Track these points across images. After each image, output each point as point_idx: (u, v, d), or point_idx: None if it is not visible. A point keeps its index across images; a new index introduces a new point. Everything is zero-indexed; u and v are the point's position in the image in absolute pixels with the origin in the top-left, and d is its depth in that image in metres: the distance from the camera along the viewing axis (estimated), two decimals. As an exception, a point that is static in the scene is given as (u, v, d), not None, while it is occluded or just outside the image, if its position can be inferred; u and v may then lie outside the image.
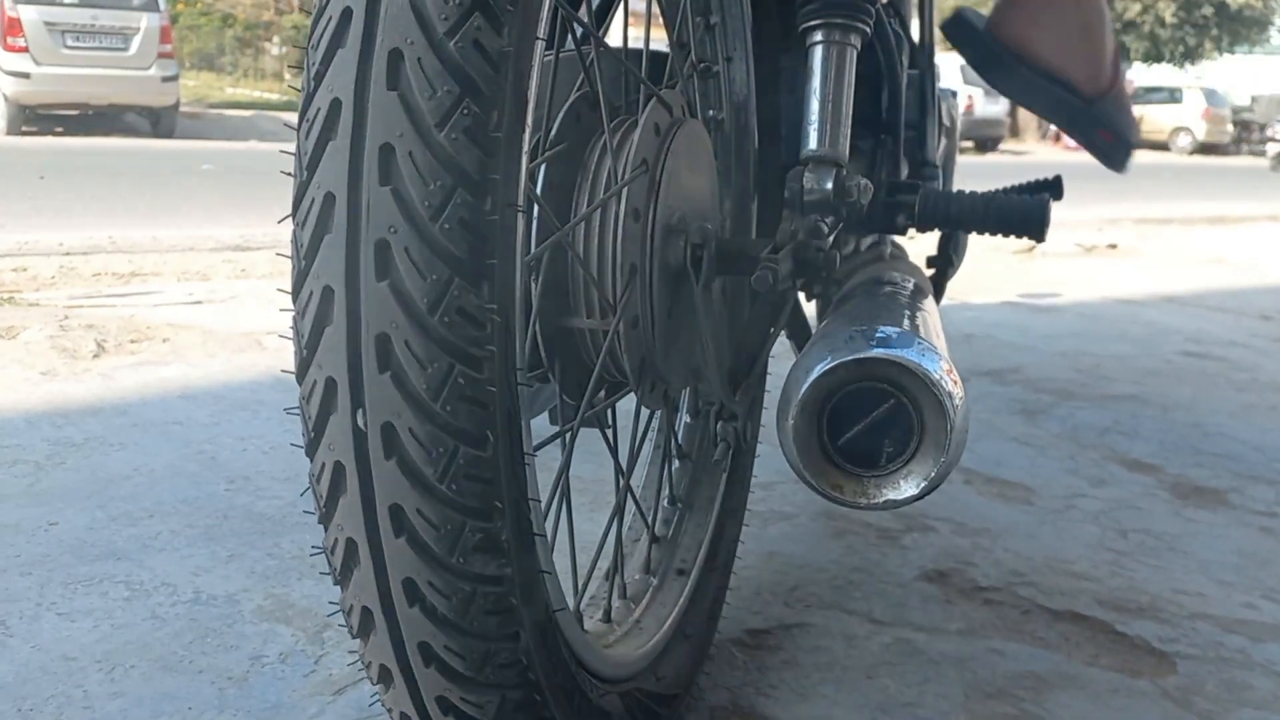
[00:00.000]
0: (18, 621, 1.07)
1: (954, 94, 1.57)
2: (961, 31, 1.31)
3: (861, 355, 0.62)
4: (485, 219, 0.56)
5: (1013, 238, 1.04)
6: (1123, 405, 2.11)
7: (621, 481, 0.88)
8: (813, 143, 0.86)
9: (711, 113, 1.01)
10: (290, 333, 0.60)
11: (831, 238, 0.87)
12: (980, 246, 4.52)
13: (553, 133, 0.73)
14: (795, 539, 1.38)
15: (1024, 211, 1.01)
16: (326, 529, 0.61)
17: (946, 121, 1.32)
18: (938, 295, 1.10)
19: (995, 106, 18.26)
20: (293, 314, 0.59)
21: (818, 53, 0.87)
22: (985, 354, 2.47)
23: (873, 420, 0.62)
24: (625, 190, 0.73)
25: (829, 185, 0.84)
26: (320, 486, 0.60)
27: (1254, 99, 27.50)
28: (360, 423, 0.57)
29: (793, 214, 0.85)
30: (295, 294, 0.59)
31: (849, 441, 0.63)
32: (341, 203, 0.56)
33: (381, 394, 0.56)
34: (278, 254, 3.72)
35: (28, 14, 9.86)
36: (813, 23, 0.87)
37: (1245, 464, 1.78)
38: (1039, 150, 20.13)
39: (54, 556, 1.21)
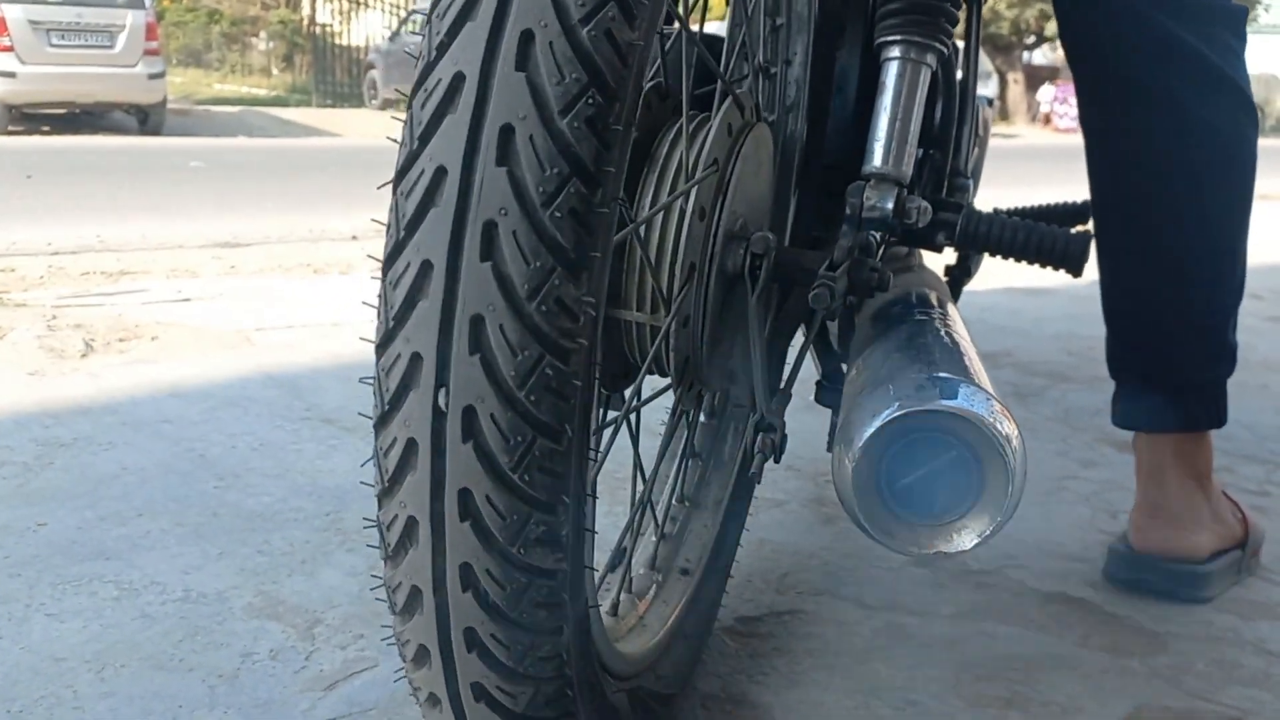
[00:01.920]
0: (6, 623, 1.06)
1: (990, 101, 1.51)
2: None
3: (931, 407, 0.62)
4: (595, 211, 0.56)
5: (1049, 268, 1.02)
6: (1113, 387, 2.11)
7: (643, 480, 0.88)
8: (877, 160, 0.86)
9: (765, 115, 0.99)
10: (376, 301, 0.59)
11: (880, 254, 0.86)
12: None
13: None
14: (786, 526, 1.38)
15: (1065, 244, 0.99)
16: (384, 505, 0.61)
17: (980, 131, 1.31)
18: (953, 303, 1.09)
19: (985, 90, 18.24)
20: (382, 284, 0.58)
21: (893, 69, 0.86)
22: (978, 337, 2.46)
23: (932, 470, 0.62)
24: (694, 188, 0.73)
25: (890, 205, 0.85)
26: (387, 461, 0.60)
27: (1243, 78, 27.53)
28: (441, 402, 0.57)
29: (851, 230, 0.85)
30: (388, 264, 0.58)
31: (906, 487, 0.62)
32: (454, 179, 0.55)
33: (468, 376, 0.56)
34: (314, 244, 3.72)
35: (12, 12, 9.80)
36: (891, 38, 0.86)
37: (1236, 443, 1.79)
38: (1028, 133, 20.12)
39: (43, 557, 1.21)
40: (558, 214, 0.55)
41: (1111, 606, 1.20)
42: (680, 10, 0.78)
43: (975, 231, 1.01)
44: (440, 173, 0.56)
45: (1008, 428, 0.62)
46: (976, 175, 1.29)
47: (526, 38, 0.55)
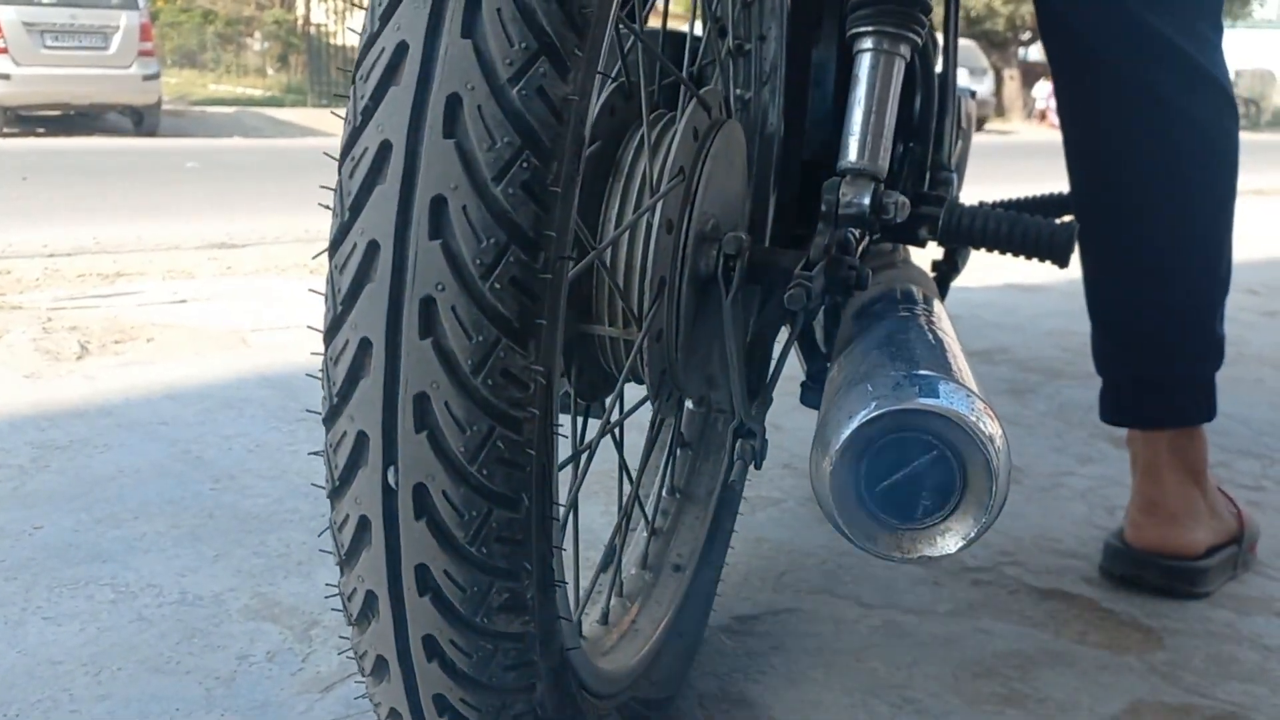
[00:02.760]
0: (2, 626, 1.06)
1: (973, 94, 1.50)
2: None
3: (909, 406, 0.59)
4: (537, 277, 0.53)
5: (1035, 260, 1.01)
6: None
7: (630, 481, 0.87)
8: (852, 155, 0.83)
9: (738, 92, 0.98)
10: (320, 375, 0.57)
11: (859, 251, 0.85)
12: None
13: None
14: (783, 524, 1.38)
15: (1050, 235, 0.98)
16: (344, 575, 0.60)
17: (963, 123, 1.29)
18: (940, 299, 1.09)
19: (981, 87, 18.25)
20: (324, 357, 0.56)
21: (865, 60, 0.84)
22: (973, 334, 2.47)
23: (913, 471, 0.60)
24: (659, 202, 0.71)
25: (866, 200, 0.82)
26: (343, 536, 0.59)
27: (1237, 73, 27.54)
28: (391, 480, 0.55)
29: (827, 227, 0.82)
30: (328, 338, 0.56)
31: (887, 490, 0.60)
32: (386, 254, 0.53)
33: (416, 454, 0.54)
34: (310, 244, 3.72)
35: (6, 14, 9.78)
36: (864, 29, 0.84)
37: (1231, 438, 1.79)
38: (1024, 129, 20.13)
39: (39, 560, 1.20)
40: (498, 285, 0.53)
41: (1108, 603, 1.20)
42: (636, 11, 0.76)
43: (959, 225, 0.99)
44: (373, 247, 0.53)
45: (990, 426, 0.59)
46: (961, 168, 1.28)
47: (454, 102, 0.52)
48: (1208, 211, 1.20)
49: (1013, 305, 2.89)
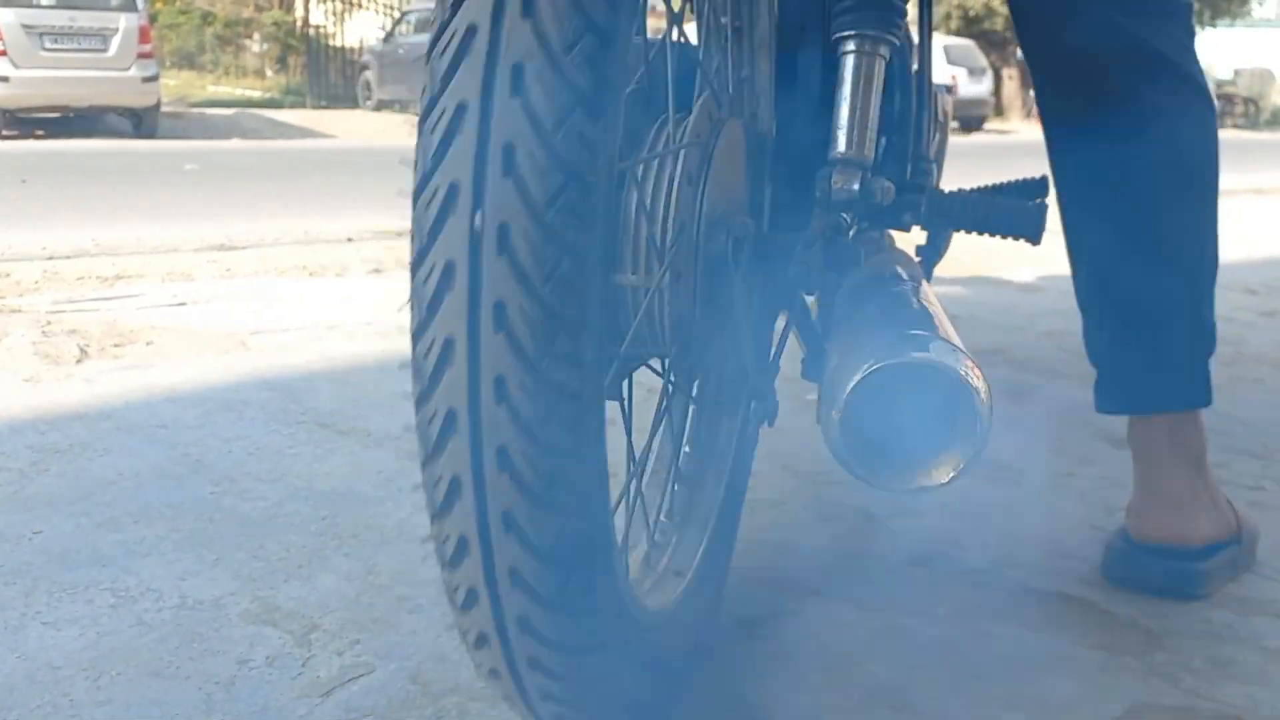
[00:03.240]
0: (2, 631, 1.06)
1: (948, 89, 1.58)
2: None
3: (905, 360, 0.70)
4: (589, 206, 0.64)
5: (1010, 239, 1.07)
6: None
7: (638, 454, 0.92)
8: (841, 146, 0.92)
9: (736, 114, 1.04)
10: (411, 302, 0.66)
11: (852, 234, 0.93)
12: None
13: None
14: (784, 526, 1.38)
15: (1023, 215, 1.05)
16: (431, 462, 0.68)
17: (940, 117, 1.39)
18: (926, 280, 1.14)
19: (979, 86, 18.27)
20: (413, 286, 0.65)
21: (849, 62, 0.93)
22: (970, 335, 2.47)
23: (910, 415, 0.71)
24: (681, 156, 0.78)
25: (856, 186, 0.91)
26: (430, 430, 0.66)
27: (1236, 72, 27.54)
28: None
29: (822, 211, 0.91)
30: (416, 268, 0.64)
31: (888, 433, 0.71)
32: (466, 192, 0.62)
33: (494, 349, 0.62)
34: (310, 246, 3.71)
35: (4, 16, 9.79)
36: (846, 34, 0.93)
37: (1231, 438, 1.79)
38: (1023, 129, 20.13)
39: (39, 565, 1.20)
40: (557, 214, 0.62)
41: (1108, 605, 1.20)
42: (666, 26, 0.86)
43: (939, 209, 1.06)
44: (454, 187, 0.63)
45: (975, 376, 0.70)
46: (940, 159, 1.36)
47: (518, 68, 0.62)
48: (1193, 200, 1.23)
49: (1010, 305, 2.89)
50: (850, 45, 0.93)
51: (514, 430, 0.63)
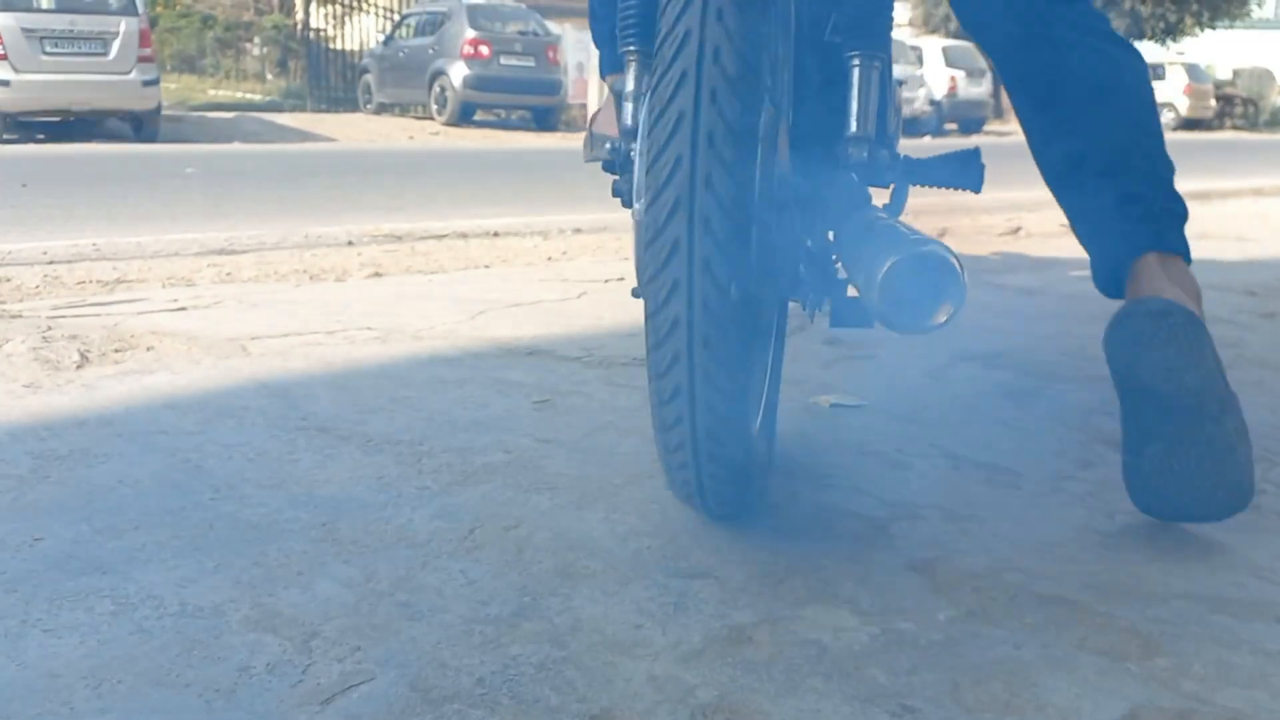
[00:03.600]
0: (2, 640, 1.06)
1: (902, 83, 2.25)
2: None
3: (918, 250, 1.10)
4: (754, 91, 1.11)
5: (958, 191, 1.46)
6: (1109, 386, 2.11)
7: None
8: (854, 127, 1.34)
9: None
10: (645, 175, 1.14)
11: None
12: (967, 229, 4.52)
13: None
14: (782, 532, 1.38)
15: (967, 170, 1.43)
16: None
17: (898, 104, 1.83)
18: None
19: (978, 88, 18.29)
20: (646, 139, 1.15)
21: (856, 71, 1.34)
22: (970, 337, 2.47)
23: (922, 282, 1.09)
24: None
25: (865, 154, 1.34)
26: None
27: (1236, 73, 27.52)
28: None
29: (842, 170, 1.36)
30: (659, 118, 1.11)
31: (909, 294, 1.10)
32: (690, 83, 1.09)
33: (705, 159, 1.09)
34: (310, 250, 3.71)
35: (5, 21, 9.80)
36: (854, 50, 1.34)
37: (1231, 441, 1.78)
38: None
39: (39, 572, 1.20)
40: (734, 96, 1.10)
41: (1108, 608, 1.20)
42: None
43: (910, 170, 1.43)
44: (685, 76, 1.09)
45: (956, 258, 1.10)
46: (897, 135, 1.71)
47: (719, 9, 1.09)
48: (1138, 110, 1.57)
49: (1010, 308, 2.89)
50: (856, 60, 1.34)
51: (717, 209, 1.08)
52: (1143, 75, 1.58)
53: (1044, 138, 1.59)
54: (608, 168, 1.54)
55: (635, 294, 1.27)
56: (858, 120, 1.32)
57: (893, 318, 1.10)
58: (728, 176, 1.07)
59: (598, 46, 2.04)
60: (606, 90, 1.99)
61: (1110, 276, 1.53)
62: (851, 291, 1.37)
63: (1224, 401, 1.34)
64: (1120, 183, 1.51)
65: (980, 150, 1.46)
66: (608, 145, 1.51)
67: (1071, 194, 1.58)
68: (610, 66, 1.92)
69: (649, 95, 1.12)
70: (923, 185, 1.44)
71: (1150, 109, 1.59)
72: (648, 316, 1.13)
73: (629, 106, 1.43)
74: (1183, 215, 1.52)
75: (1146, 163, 1.54)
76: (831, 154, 1.36)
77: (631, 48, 1.42)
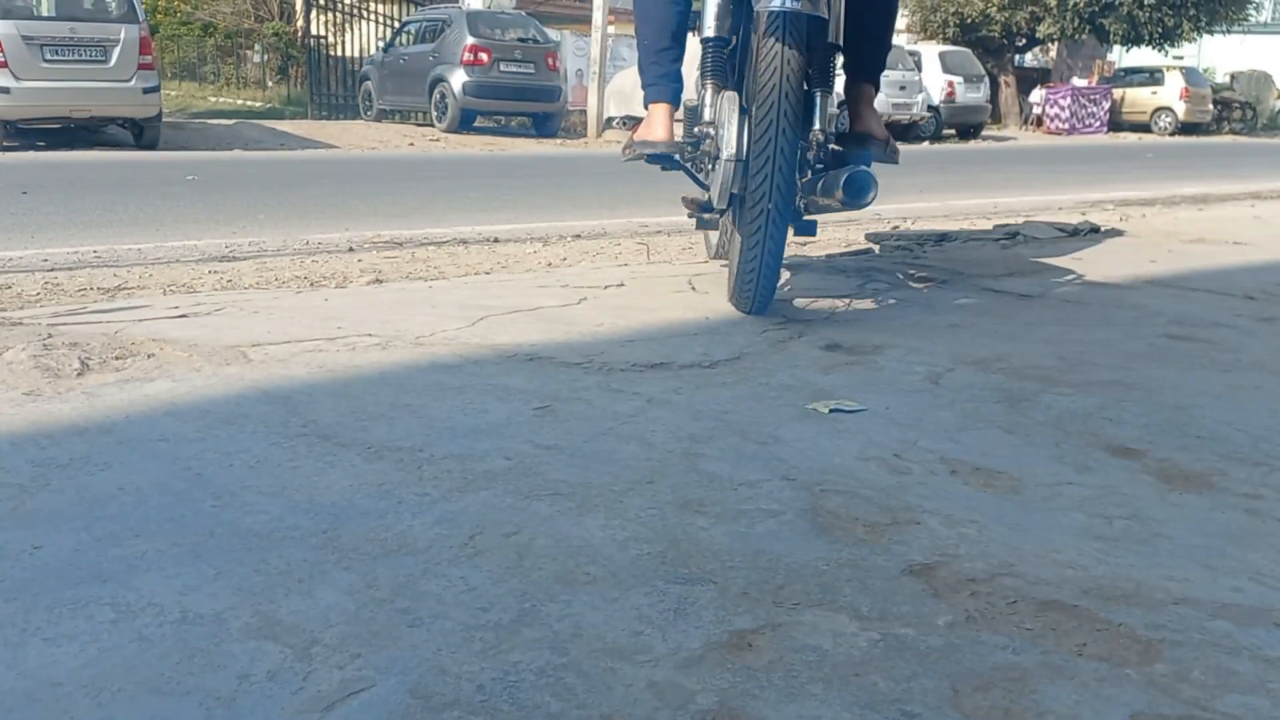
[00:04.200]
0: (3, 648, 1.06)
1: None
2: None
3: (862, 169, 2.45)
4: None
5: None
6: (1107, 390, 2.12)
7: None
8: (834, 106, 2.61)
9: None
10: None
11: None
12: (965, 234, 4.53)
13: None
14: (781, 537, 1.38)
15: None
16: None
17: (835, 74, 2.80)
18: None
19: (976, 93, 18.30)
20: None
21: (818, 96, 2.60)
22: (968, 343, 2.47)
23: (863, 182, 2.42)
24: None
25: (833, 109, 2.62)
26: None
27: (1233, 77, 27.55)
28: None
29: (823, 128, 2.60)
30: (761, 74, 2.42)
31: (858, 187, 2.42)
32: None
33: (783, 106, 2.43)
34: (311, 257, 3.72)
35: (5, 28, 9.80)
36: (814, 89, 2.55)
37: (1230, 446, 1.79)
38: (1021, 136, 20.14)
39: (39, 581, 1.21)
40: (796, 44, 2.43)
41: (1107, 614, 1.20)
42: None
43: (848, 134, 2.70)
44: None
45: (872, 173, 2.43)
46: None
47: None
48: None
49: (1007, 313, 2.89)
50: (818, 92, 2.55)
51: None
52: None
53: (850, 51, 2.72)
54: (653, 160, 2.70)
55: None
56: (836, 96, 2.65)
57: (849, 203, 2.42)
58: (790, 129, 2.37)
59: (648, 84, 2.77)
60: (643, 109, 2.80)
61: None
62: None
63: None
64: (874, 68, 2.87)
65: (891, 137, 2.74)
66: (665, 144, 2.70)
67: (853, 87, 2.83)
68: (658, 96, 2.73)
69: (751, 86, 2.42)
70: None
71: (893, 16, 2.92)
72: (748, 191, 2.43)
73: (708, 111, 2.59)
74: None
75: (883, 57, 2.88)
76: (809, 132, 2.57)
77: (711, 79, 2.62)
